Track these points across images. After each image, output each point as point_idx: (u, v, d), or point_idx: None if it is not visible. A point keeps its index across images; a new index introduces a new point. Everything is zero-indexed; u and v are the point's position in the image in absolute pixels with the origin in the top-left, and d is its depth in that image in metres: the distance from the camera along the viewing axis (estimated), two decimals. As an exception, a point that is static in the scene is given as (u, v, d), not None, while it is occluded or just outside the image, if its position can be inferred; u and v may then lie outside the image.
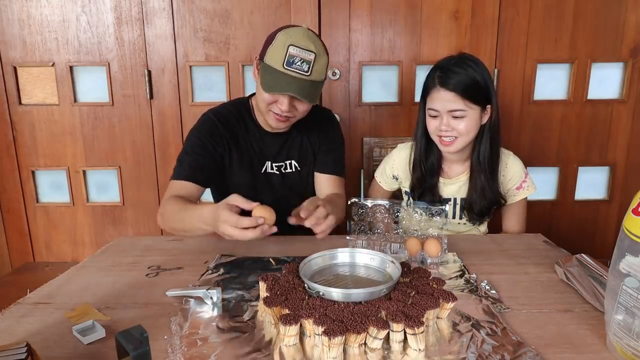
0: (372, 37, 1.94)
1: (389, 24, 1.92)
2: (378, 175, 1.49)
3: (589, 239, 2.14)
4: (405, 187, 1.44)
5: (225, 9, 1.92)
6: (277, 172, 1.35)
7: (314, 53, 1.13)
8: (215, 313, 0.83)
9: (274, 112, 1.20)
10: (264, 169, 1.34)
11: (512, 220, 1.40)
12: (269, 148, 1.33)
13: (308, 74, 1.13)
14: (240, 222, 0.91)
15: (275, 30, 1.18)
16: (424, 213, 1.11)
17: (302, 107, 1.21)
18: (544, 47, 1.94)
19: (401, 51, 1.95)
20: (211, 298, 0.86)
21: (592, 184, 2.12)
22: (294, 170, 1.36)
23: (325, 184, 1.37)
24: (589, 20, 1.91)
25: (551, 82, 2.00)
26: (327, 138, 1.38)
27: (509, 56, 1.95)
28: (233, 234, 0.91)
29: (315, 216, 1.00)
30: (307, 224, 1.00)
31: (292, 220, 1.02)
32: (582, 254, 1.01)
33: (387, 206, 1.13)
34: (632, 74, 1.96)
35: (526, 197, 1.38)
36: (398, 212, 1.12)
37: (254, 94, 1.34)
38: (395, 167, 1.43)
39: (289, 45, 1.11)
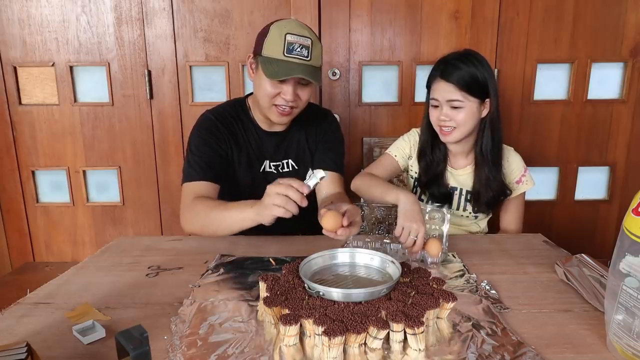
0: (372, 37, 1.94)
1: (389, 24, 1.92)
2: (392, 150, 1.47)
3: (589, 239, 2.14)
4: (413, 172, 1.46)
5: (225, 9, 1.92)
6: (275, 172, 1.35)
7: (310, 39, 1.16)
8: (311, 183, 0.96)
9: (277, 105, 1.21)
10: (262, 167, 1.35)
11: (511, 216, 1.41)
12: (266, 147, 1.34)
13: (308, 58, 1.16)
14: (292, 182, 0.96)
15: (266, 25, 1.20)
16: (426, 215, 1.11)
17: (304, 96, 1.23)
18: (544, 47, 1.94)
19: (401, 51, 1.95)
20: (312, 175, 0.96)
21: (592, 184, 2.12)
22: (291, 169, 1.36)
23: (324, 181, 1.35)
24: (589, 20, 1.91)
25: (551, 82, 2.00)
26: (325, 136, 1.38)
27: (509, 56, 1.95)
28: (277, 189, 0.96)
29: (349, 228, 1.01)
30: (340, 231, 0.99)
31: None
32: (582, 254, 1.01)
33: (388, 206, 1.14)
34: (632, 74, 1.96)
35: (524, 194, 1.40)
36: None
37: (250, 94, 1.34)
38: (410, 140, 1.45)
39: (286, 34, 1.14)
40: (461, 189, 1.40)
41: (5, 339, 0.75)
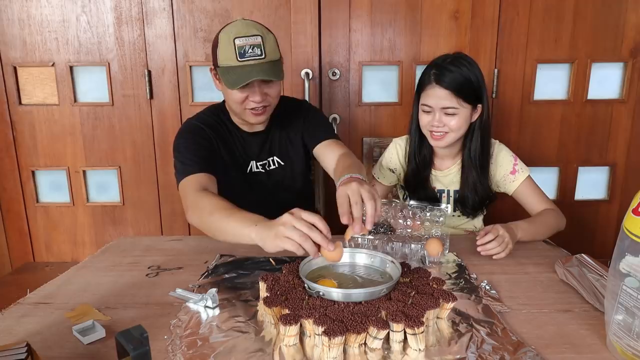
0: (372, 37, 1.94)
1: (389, 24, 1.92)
2: (376, 172, 1.52)
3: (589, 239, 2.14)
4: (402, 180, 1.46)
5: (225, 9, 1.92)
6: (263, 171, 1.37)
7: (259, 35, 1.15)
8: (216, 312, 0.83)
9: (249, 108, 1.21)
10: (249, 169, 1.35)
11: (533, 201, 1.33)
12: (251, 148, 1.35)
13: (263, 56, 1.15)
14: (313, 219, 0.82)
15: (215, 35, 1.21)
16: (426, 214, 1.11)
17: (273, 92, 1.22)
18: (544, 47, 1.94)
19: (401, 51, 1.95)
20: (205, 300, 0.85)
21: (592, 184, 2.11)
22: (277, 166, 1.37)
23: (327, 150, 1.31)
24: (589, 20, 1.91)
25: (551, 82, 2.00)
26: (305, 121, 1.38)
27: (509, 56, 1.94)
28: (298, 224, 0.81)
29: (357, 223, 0.88)
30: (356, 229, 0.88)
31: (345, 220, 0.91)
32: (582, 254, 1.01)
33: (390, 205, 1.14)
34: (632, 74, 1.96)
35: (530, 179, 1.35)
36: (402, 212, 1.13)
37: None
38: (392, 161, 1.47)
39: (234, 39, 1.13)
40: (448, 191, 1.40)
41: (5, 339, 0.75)
